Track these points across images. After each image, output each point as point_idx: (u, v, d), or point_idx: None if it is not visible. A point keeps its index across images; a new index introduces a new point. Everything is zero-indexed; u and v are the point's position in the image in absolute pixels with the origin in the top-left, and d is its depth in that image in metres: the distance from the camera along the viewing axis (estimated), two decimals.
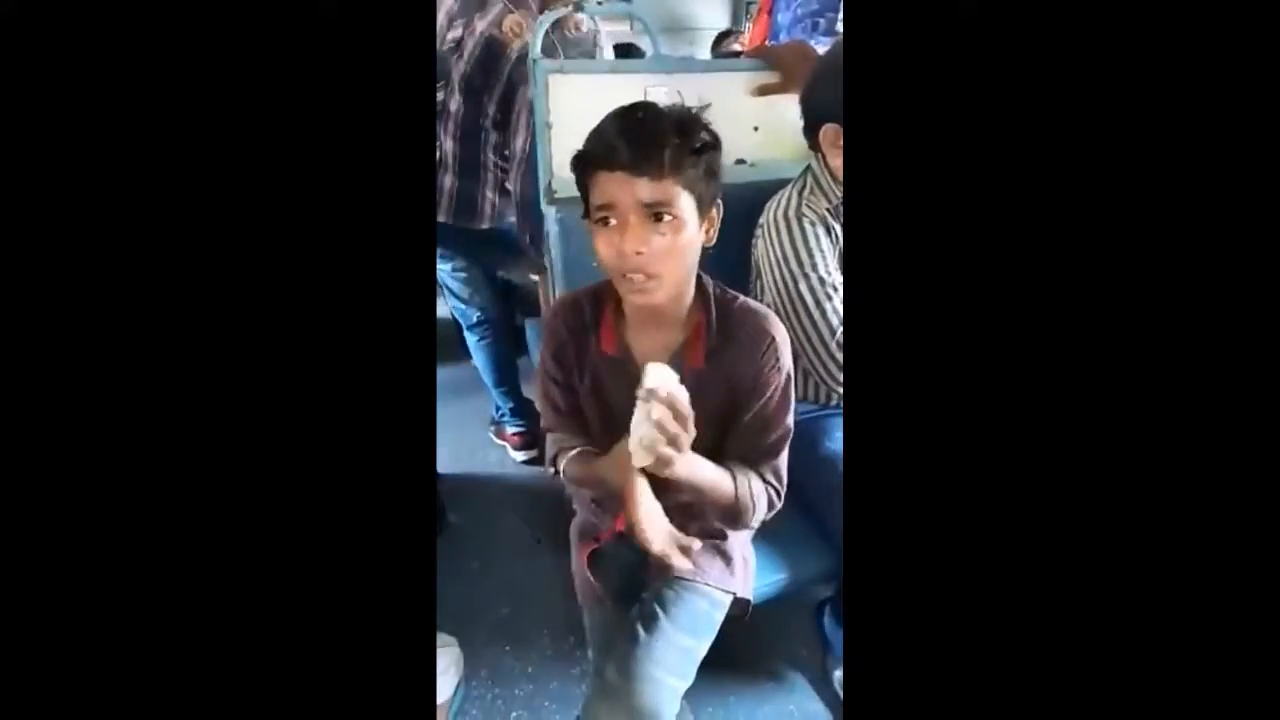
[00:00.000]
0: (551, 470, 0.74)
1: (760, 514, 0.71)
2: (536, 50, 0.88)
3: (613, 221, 0.59)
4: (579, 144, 0.62)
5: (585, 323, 0.71)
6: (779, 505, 0.73)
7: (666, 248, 0.59)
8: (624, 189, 0.58)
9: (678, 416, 0.56)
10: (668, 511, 0.72)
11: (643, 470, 0.61)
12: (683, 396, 0.57)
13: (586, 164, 0.61)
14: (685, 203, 0.59)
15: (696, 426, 0.71)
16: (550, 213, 0.93)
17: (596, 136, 0.60)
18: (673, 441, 0.57)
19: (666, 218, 0.59)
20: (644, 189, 0.58)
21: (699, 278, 0.69)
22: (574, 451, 0.72)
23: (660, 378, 0.57)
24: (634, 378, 0.68)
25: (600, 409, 0.73)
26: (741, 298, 0.70)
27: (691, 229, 0.61)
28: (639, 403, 0.57)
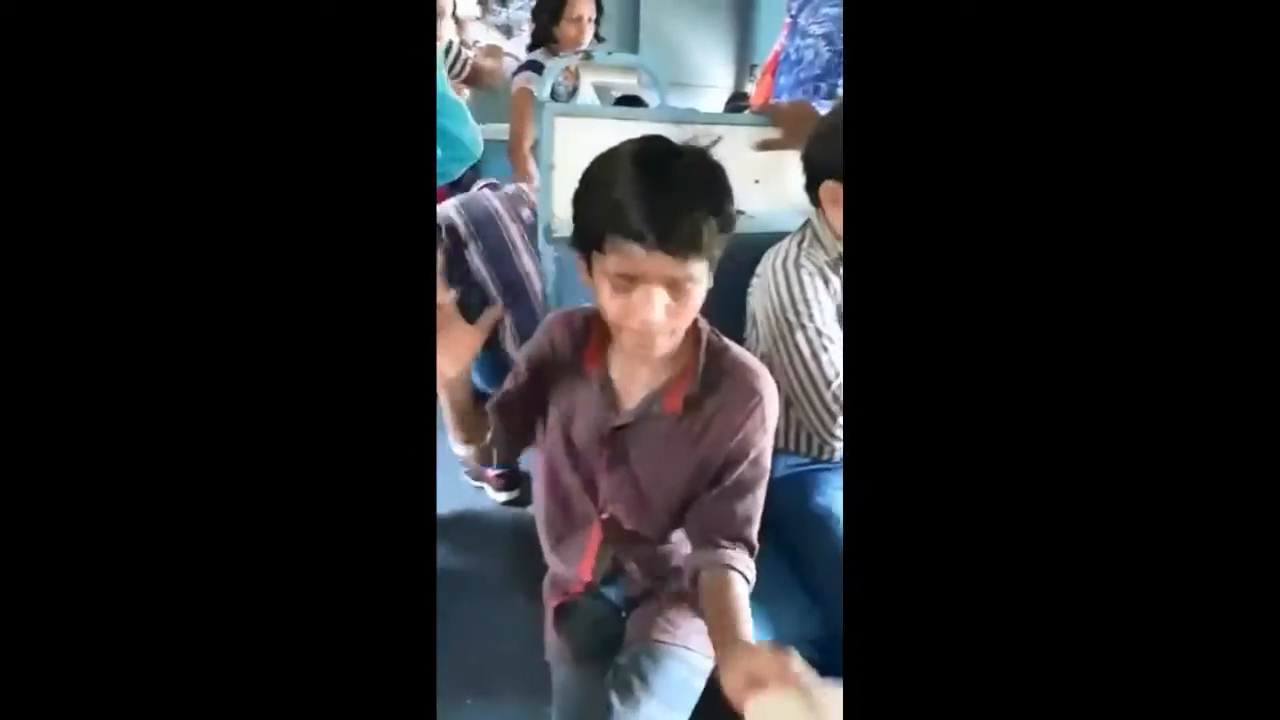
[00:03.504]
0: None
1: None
2: (545, 94, 0.89)
3: (632, 289, 0.56)
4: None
5: (575, 340, 0.69)
6: (751, 583, 0.68)
7: (685, 308, 0.58)
8: (649, 264, 0.54)
9: None
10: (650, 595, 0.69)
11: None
12: None
13: (607, 231, 0.55)
14: (705, 270, 0.58)
15: (667, 476, 0.68)
16: (549, 252, 0.93)
17: (619, 204, 0.53)
18: None
19: (687, 286, 0.57)
20: (670, 266, 0.55)
21: (695, 320, 0.67)
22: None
23: None
24: (607, 403, 0.66)
25: (564, 430, 0.70)
26: (735, 348, 0.69)
27: (704, 287, 0.59)
28: None
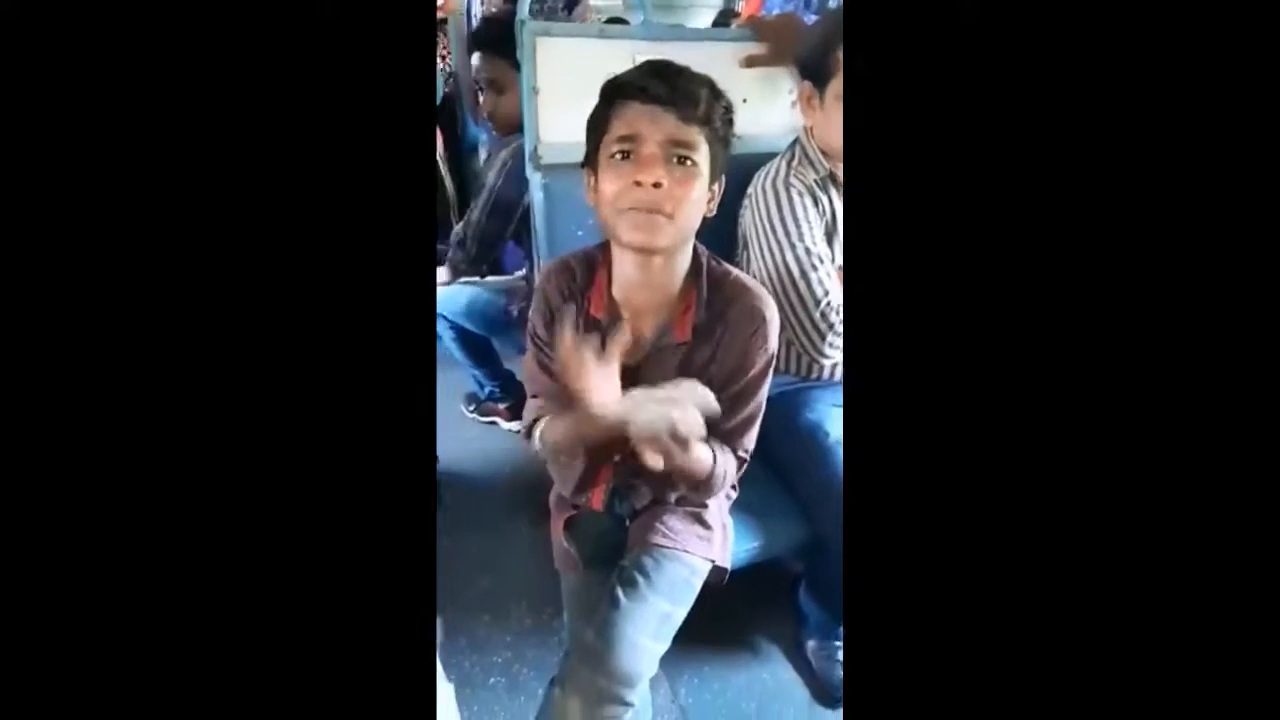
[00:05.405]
0: (526, 435, 0.74)
1: (728, 485, 0.71)
2: (524, 12, 0.86)
3: (631, 155, 0.59)
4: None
5: (575, 286, 0.70)
6: (742, 470, 0.73)
7: (683, 189, 0.59)
8: (653, 123, 0.58)
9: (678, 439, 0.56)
10: (638, 476, 0.71)
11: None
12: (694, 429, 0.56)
13: (617, 93, 0.60)
14: (704, 155, 0.60)
15: None
16: (535, 179, 0.92)
17: (631, 74, 0.60)
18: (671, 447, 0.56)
19: (688, 163, 0.59)
20: (673, 126, 0.58)
21: (694, 248, 0.68)
22: (549, 417, 0.71)
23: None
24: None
25: None
26: (735, 271, 0.70)
27: (703, 186, 0.61)
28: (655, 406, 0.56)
